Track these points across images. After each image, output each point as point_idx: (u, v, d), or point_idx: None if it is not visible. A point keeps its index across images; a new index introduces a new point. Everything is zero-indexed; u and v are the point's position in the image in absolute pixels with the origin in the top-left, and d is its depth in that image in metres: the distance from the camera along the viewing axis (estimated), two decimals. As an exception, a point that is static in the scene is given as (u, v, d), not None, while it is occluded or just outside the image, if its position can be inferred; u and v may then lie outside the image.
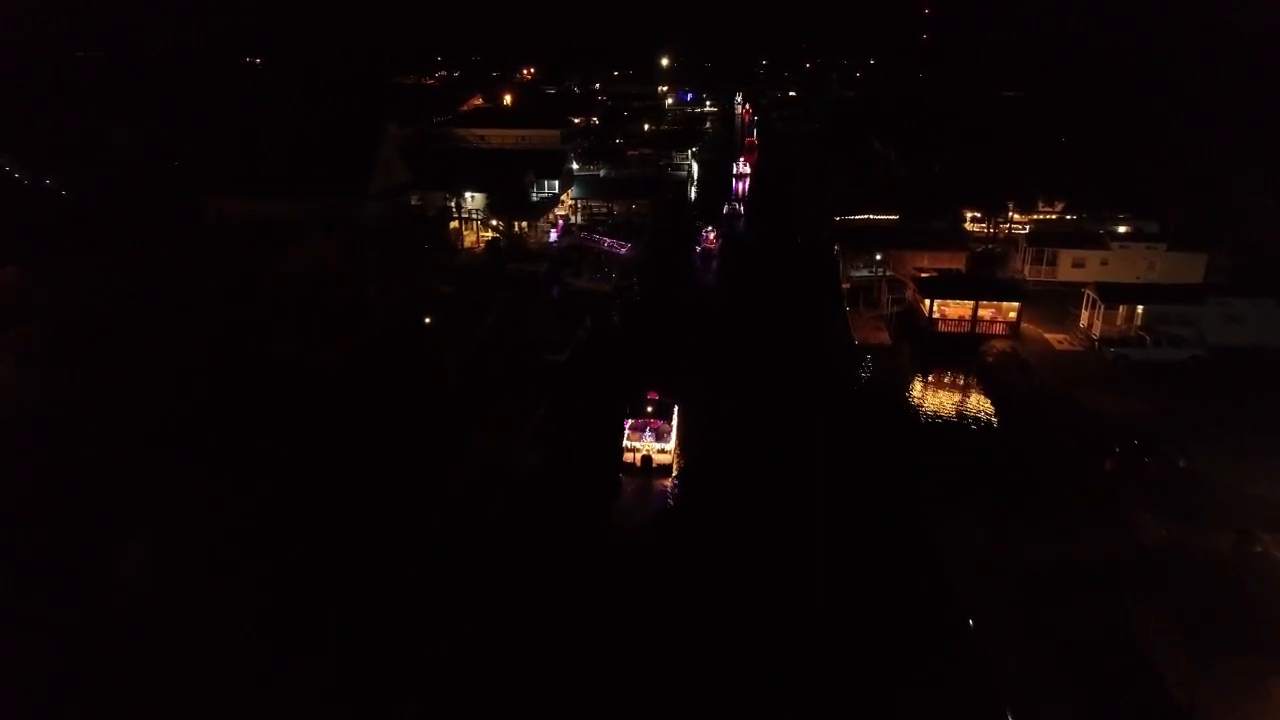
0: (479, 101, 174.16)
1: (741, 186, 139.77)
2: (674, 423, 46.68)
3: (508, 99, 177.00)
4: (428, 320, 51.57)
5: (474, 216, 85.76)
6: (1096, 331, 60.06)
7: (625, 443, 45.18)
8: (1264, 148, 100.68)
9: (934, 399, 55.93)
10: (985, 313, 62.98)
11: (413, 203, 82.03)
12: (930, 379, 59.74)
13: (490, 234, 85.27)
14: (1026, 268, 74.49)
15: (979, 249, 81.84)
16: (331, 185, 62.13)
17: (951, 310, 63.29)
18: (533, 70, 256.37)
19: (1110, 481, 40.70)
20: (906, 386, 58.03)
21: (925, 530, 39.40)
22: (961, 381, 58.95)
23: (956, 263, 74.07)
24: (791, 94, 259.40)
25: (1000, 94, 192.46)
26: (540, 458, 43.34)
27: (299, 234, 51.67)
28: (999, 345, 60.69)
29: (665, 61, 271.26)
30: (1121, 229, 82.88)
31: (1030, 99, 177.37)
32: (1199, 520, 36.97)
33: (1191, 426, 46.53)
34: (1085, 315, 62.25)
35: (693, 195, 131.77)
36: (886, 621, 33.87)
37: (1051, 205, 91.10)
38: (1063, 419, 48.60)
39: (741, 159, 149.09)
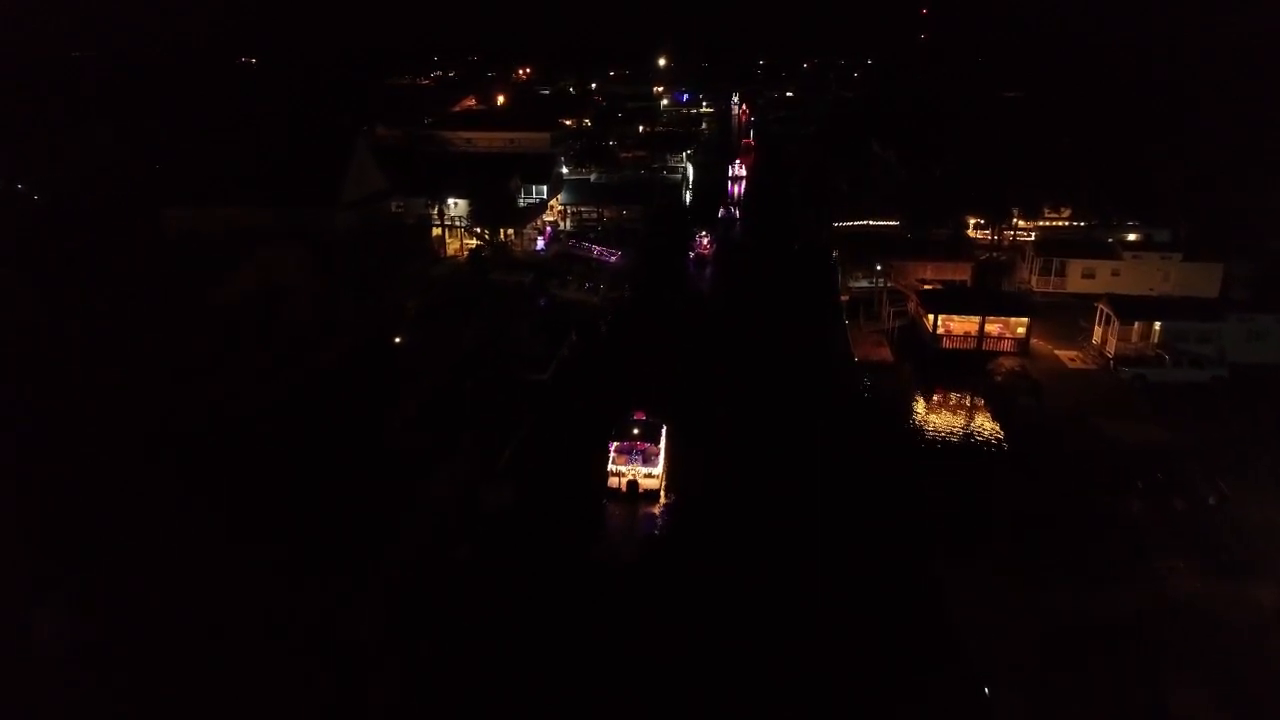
0: (472, 102, 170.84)
1: (737, 189, 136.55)
2: (662, 445, 43.93)
3: (500, 100, 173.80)
4: (397, 340, 48.11)
5: (457, 224, 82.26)
6: (1111, 349, 56.69)
7: (610, 466, 42.46)
8: (1264, 149, 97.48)
9: (939, 422, 52.45)
10: (992, 328, 59.59)
11: (394, 209, 78.63)
12: (935, 400, 56.34)
13: (475, 242, 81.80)
14: (1034, 278, 71.15)
15: (983, 257, 78.52)
16: (300, 194, 58.62)
17: (957, 326, 59.88)
18: (528, 70, 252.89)
19: (1136, 523, 37.23)
20: (910, 409, 54.61)
21: (931, 574, 35.93)
22: (968, 403, 55.53)
23: (961, 274, 70.68)
24: (789, 94, 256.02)
25: (1001, 95, 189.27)
26: (512, 493, 39.72)
27: (256, 246, 47.94)
28: (1007, 363, 57.27)
29: (662, 62, 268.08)
30: (1131, 236, 79.62)
31: (1031, 100, 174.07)
32: (1235, 569, 33.58)
33: (1218, 455, 43.23)
34: (1098, 331, 58.88)
35: (687, 199, 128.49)
36: (891, 690, 30.42)
37: (1058, 211, 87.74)
38: (1079, 448, 45.16)
39: (738, 161, 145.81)
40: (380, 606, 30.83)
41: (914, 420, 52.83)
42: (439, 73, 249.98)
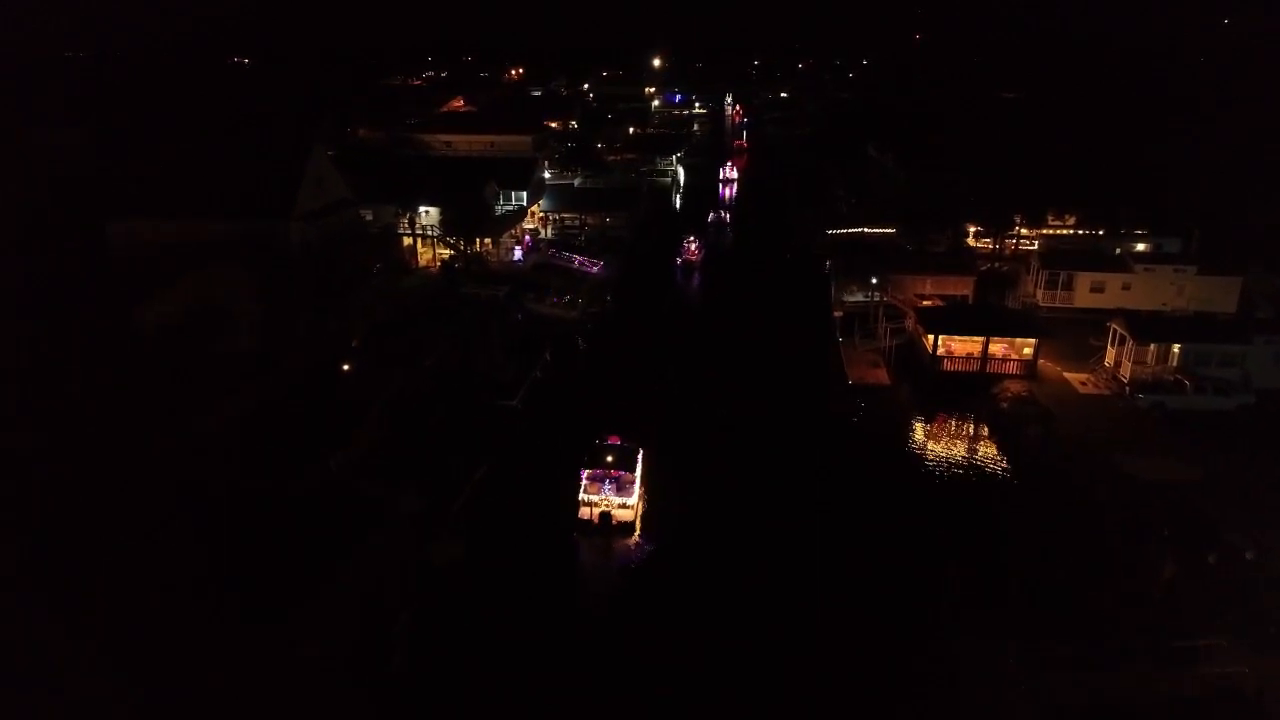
0: (460, 103, 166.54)
1: (729, 192, 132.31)
2: (638, 473, 40.56)
3: (487, 100, 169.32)
4: (347, 367, 43.75)
5: (430, 233, 77.87)
6: (1126, 372, 52.46)
7: (581, 496, 39.36)
8: (1264, 149, 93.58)
9: (941, 455, 48.06)
10: (997, 349, 55.36)
11: (365, 219, 74.27)
12: (935, 428, 52.03)
13: (449, 252, 77.42)
14: (1039, 292, 66.85)
15: (985, 267, 74.35)
16: (251, 205, 54.23)
17: (959, 347, 55.67)
18: (521, 71, 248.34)
19: (1168, 586, 32.98)
20: (908, 440, 50.32)
21: (932, 639, 31.70)
22: (972, 432, 51.28)
23: (963, 288, 66.35)
24: (784, 95, 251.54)
25: (999, 95, 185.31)
26: (463, 546, 35.30)
27: (188, 265, 43.46)
28: (1014, 387, 53.06)
29: (657, 62, 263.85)
30: (1140, 246, 75.51)
31: (1031, 101, 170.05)
32: (1282, 645, 29.37)
33: (1250, 497, 39.05)
34: (1111, 352, 54.65)
35: (677, 203, 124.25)
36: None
37: (1062, 219, 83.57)
38: (1094, 487, 40.90)
39: (730, 163, 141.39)
40: (297, 694, 26.45)
41: (912, 452, 48.50)
42: (430, 73, 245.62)
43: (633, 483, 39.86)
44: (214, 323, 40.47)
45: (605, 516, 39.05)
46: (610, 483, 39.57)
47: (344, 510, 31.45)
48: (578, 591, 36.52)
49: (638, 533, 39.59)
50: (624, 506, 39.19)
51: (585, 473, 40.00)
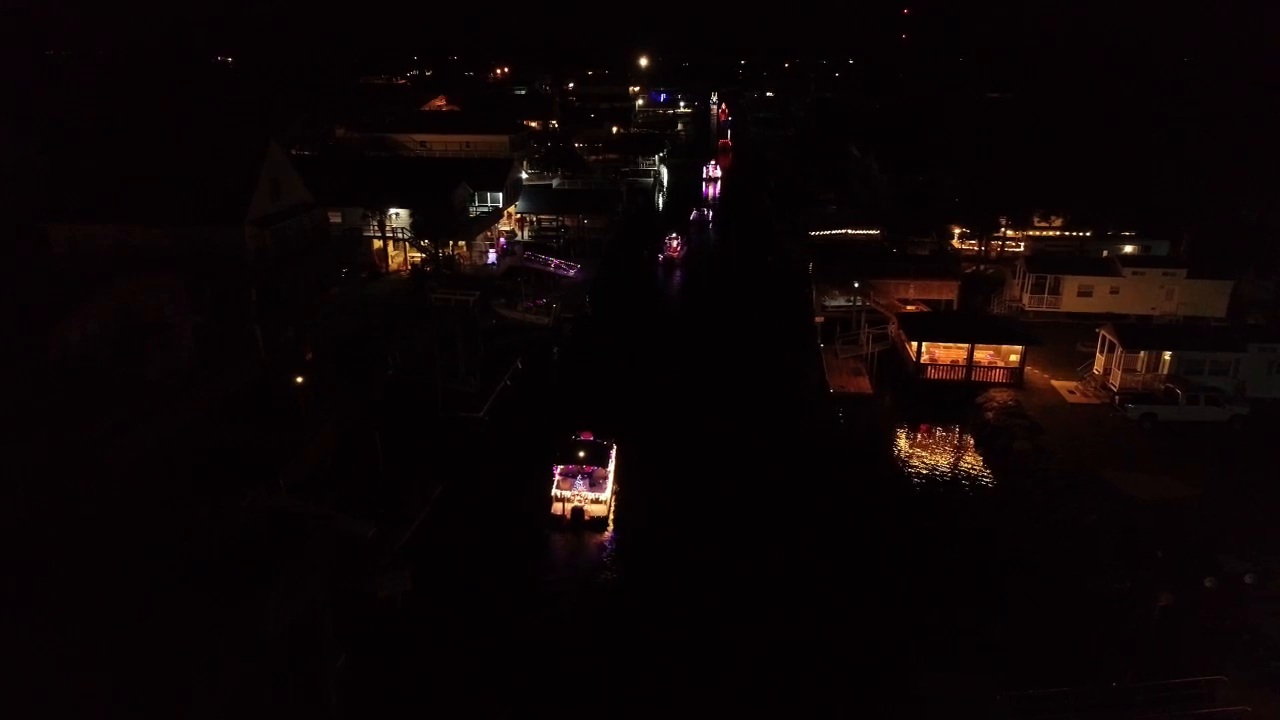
0: (441, 102, 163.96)
1: (712, 191, 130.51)
2: (610, 468, 40.58)
3: (470, 100, 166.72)
4: (300, 380, 41.19)
5: (400, 235, 75.37)
6: (1115, 381, 50.51)
7: (553, 491, 39.26)
8: (1254, 150, 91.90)
9: (924, 470, 45.93)
10: (982, 356, 53.36)
11: (335, 222, 71.73)
12: (919, 439, 50.00)
13: (419, 256, 74.94)
14: (1026, 296, 64.92)
15: (970, 270, 72.42)
16: (201, 210, 51.56)
17: (943, 354, 53.65)
18: (506, 70, 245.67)
19: (1164, 615, 30.91)
20: (891, 453, 48.23)
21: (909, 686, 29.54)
22: (956, 444, 49.24)
23: (947, 293, 64.39)
24: (769, 94, 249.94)
25: (985, 96, 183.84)
26: (411, 576, 32.83)
27: (111, 276, 40.61)
28: (1000, 397, 51.03)
29: (643, 61, 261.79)
30: (1128, 249, 73.76)
31: (1018, 101, 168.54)
32: (1287, 680, 27.33)
33: (1247, 515, 37.16)
34: (1100, 360, 52.71)
35: (660, 203, 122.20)
36: None
37: (1048, 220, 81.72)
38: (1085, 507, 38.84)
39: (713, 162, 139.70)
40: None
41: (896, 469, 46.32)
42: (414, 72, 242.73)
43: (605, 478, 39.66)
44: (142, 338, 37.72)
45: (578, 512, 38.77)
46: (583, 478, 39.36)
47: (279, 538, 28.99)
48: (548, 587, 35.16)
49: (610, 528, 39.13)
50: (596, 502, 38.92)
51: (558, 468, 39.79)
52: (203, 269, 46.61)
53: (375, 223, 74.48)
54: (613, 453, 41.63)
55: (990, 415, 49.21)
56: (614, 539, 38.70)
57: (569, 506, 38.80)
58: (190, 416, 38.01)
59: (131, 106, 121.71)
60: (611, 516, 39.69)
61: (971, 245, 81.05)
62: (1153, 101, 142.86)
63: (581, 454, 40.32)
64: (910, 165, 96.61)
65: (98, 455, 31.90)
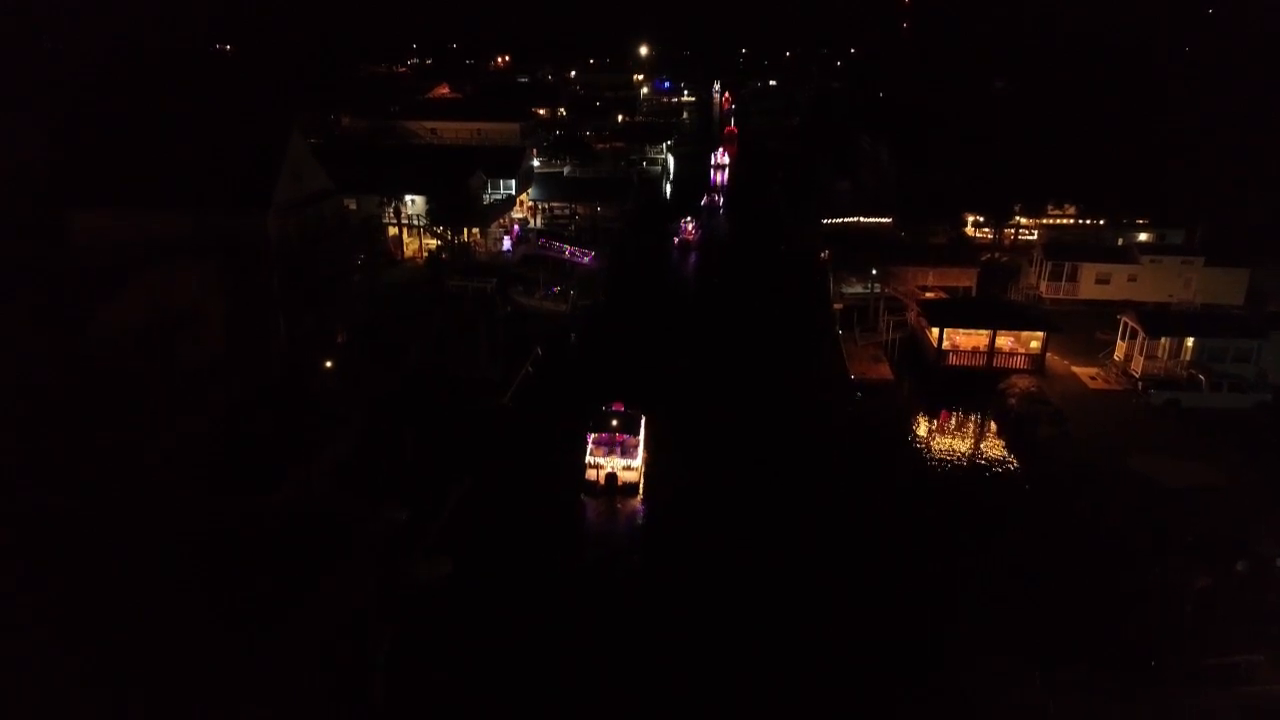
0: (445, 91, 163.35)
1: (721, 177, 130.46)
2: (641, 436, 42.31)
3: (474, 88, 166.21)
4: (328, 366, 41.25)
5: (416, 223, 75.35)
6: (1137, 368, 50.77)
7: (587, 459, 41.13)
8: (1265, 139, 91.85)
9: (946, 455, 46.17)
10: (1004, 343, 53.56)
11: (350, 209, 71.59)
12: (942, 426, 50.19)
13: (435, 243, 74.91)
14: (1043, 284, 65.12)
15: (985, 258, 72.57)
16: (226, 195, 51.44)
17: (964, 341, 53.82)
18: (507, 59, 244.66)
19: (1201, 598, 31.19)
20: (913, 440, 48.42)
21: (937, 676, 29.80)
22: (979, 431, 49.47)
23: (965, 280, 64.54)
24: (772, 84, 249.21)
25: (991, 86, 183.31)
26: (451, 561, 33.07)
27: (145, 264, 40.54)
28: (1021, 383, 51.23)
29: (645, 50, 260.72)
30: (1143, 236, 73.92)
31: (1026, 90, 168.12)
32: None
33: (1272, 500, 37.42)
34: (1122, 346, 52.94)
35: (668, 192, 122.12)
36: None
37: (1062, 209, 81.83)
38: (1114, 494, 39.10)
39: (720, 150, 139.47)
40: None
41: (920, 457, 46.47)
42: (415, 60, 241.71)
43: (637, 446, 41.36)
44: (178, 326, 37.68)
45: (611, 478, 40.63)
46: (615, 446, 41.17)
47: (319, 527, 29.11)
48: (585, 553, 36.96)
49: (641, 493, 40.96)
50: (628, 469, 40.77)
51: (591, 437, 41.47)
52: (227, 257, 46.54)
53: (391, 210, 74.44)
54: (643, 422, 43.18)
55: (1013, 402, 49.42)
56: (645, 505, 40.42)
57: (603, 473, 40.65)
58: (221, 409, 38.02)
59: (138, 97, 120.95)
60: (642, 484, 41.30)
61: (985, 233, 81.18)
62: (1153, 102, 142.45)
63: (614, 423, 42.05)
64: (921, 155, 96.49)
65: (132, 452, 31.96)
